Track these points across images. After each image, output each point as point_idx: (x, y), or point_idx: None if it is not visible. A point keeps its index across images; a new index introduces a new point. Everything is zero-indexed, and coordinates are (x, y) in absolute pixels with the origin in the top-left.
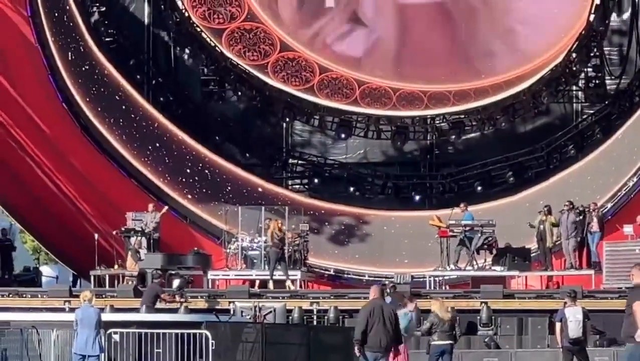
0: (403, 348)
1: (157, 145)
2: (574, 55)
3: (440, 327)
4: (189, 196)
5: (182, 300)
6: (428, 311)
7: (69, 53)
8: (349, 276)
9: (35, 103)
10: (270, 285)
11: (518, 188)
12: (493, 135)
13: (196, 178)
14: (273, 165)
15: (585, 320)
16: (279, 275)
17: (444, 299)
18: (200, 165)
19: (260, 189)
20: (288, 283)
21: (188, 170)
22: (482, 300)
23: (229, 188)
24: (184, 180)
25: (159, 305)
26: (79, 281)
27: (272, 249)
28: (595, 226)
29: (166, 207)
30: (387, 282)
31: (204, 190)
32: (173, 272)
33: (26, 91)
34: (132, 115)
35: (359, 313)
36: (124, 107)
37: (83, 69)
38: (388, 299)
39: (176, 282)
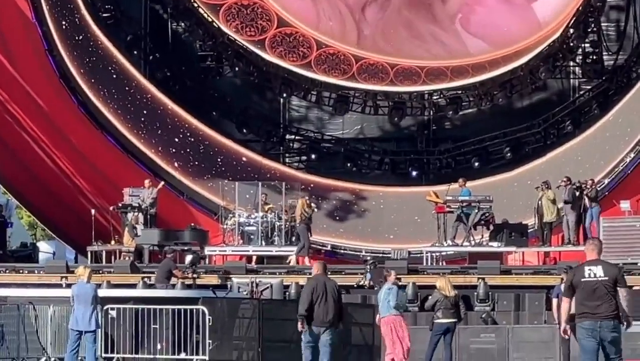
0: (401, 321)
1: (154, 121)
2: (571, 30)
3: (444, 305)
4: (186, 172)
5: (194, 275)
6: (428, 287)
7: (65, 27)
8: (346, 252)
9: (33, 79)
10: (293, 259)
11: (515, 164)
12: (490, 111)
13: (193, 154)
14: (270, 140)
15: None
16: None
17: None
18: (197, 141)
19: (257, 165)
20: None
21: (185, 146)
22: (479, 275)
23: (226, 164)
24: (181, 156)
25: (173, 281)
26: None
27: (301, 226)
28: (592, 202)
29: (162, 183)
30: (368, 258)
31: (201, 166)
32: (168, 248)
33: (23, 67)
34: (129, 91)
35: (302, 289)
36: (120, 82)
37: (80, 43)
38: (368, 276)
39: (188, 258)
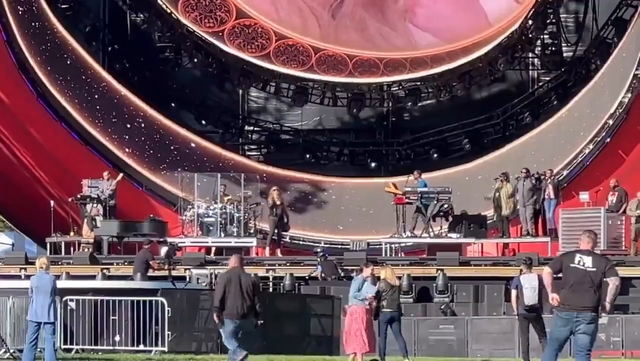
0: (362, 312)
1: (113, 112)
2: (530, 22)
3: (389, 294)
4: (145, 163)
5: (170, 267)
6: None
7: (23, 18)
8: (305, 243)
9: None
10: (266, 251)
11: (474, 155)
12: (449, 102)
13: (151, 145)
14: (229, 132)
15: (541, 287)
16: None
17: (401, 266)
18: (156, 132)
19: (216, 156)
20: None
21: (143, 137)
22: (438, 267)
23: (185, 155)
24: (139, 147)
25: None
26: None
27: (270, 218)
28: (551, 193)
29: (121, 174)
30: (318, 250)
31: (160, 157)
32: (145, 239)
33: None
34: (88, 82)
35: (217, 281)
36: (78, 74)
37: (38, 34)
38: (319, 268)
39: (164, 250)
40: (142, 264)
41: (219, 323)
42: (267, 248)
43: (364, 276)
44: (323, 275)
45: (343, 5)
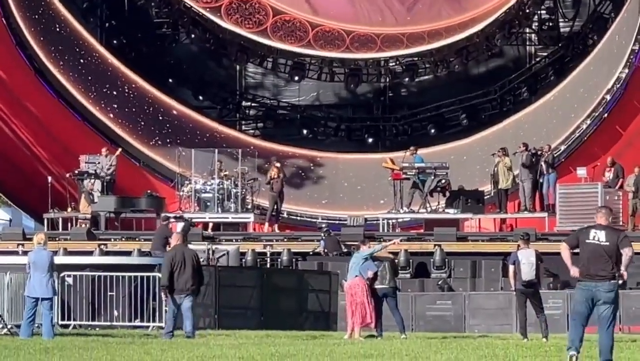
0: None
1: (110, 88)
2: None
3: (380, 270)
4: (142, 139)
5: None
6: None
7: None
8: (302, 218)
9: None
10: (266, 227)
11: (471, 130)
12: (446, 78)
13: (149, 121)
14: (226, 107)
15: (538, 262)
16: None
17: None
18: (154, 108)
19: (213, 132)
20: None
21: (141, 113)
22: (436, 242)
23: (182, 130)
24: (137, 123)
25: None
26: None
27: (270, 193)
28: (548, 168)
29: (119, 149)
30: (323, 226)
31: (157, 133)
32: (164, 215)
33: None
34: (85, 58)
35: (163, 260)
36: (77, 50)
37: (35, 10)
38: (322, 243)
39: (179, 226)
40: (161, 240)
41: (166, 299)
42: (267, 224)
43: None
44: (326, 250)
45: None
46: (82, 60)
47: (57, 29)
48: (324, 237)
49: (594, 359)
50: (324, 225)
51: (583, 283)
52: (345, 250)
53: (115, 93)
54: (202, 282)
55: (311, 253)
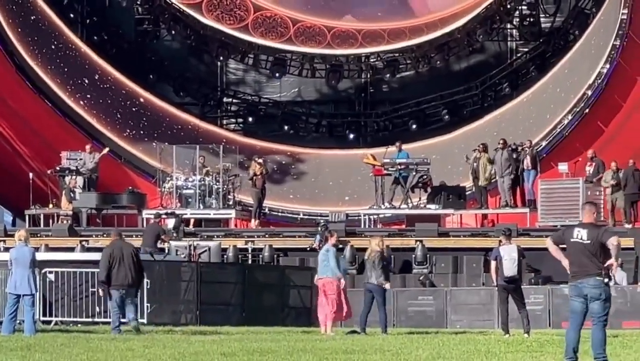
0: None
1: (92, 84)
2: None
3: (378, 266)
4: (124, 135)
5: (178, 238)
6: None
7: None
8: (284, 215)
9: None
10: (253, 224)
11: (453, 126)
12: (428, 74)
13: (131, 117)
14: (207, 103)
15: (520, 258)
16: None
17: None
18: (135, 104)
19: (194, 128)
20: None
21: (122, 109)
22: (417, 238)
23: (164, 127)
24: (118, 119)
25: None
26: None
27: (253, 190)
28: (529, 164)
29: (107, 149)
30: (322, 221)
31: (139, 129)
32: (156, 212)
33: None
34: (66, 54)
35: (101, 256)
36: (58, 45)
37: (16, 6)
38: (318, 238)
39: (171, 222)
40: (152, 237)
41: (103, 295)
42: (254, 221)
43: (332, 244)
44: (321, 245)
45: None
46: (60, 54)
47: (36, 23)
48: (320, 232)
49: (587, 354)
50: (322, 221)
51: (572, 282)
52: (341, 246)
53: (92, 87)
54: (141, 278)
55: (308, 248)
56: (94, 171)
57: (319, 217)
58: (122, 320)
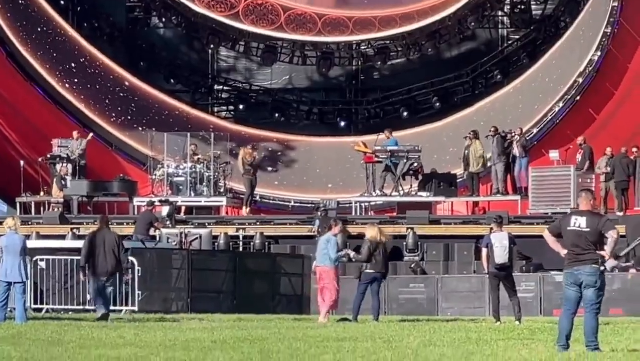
0: (329, 272)
1: (82, 71)
2: None
3: (377, 254)
4: (114, 122)
5: (172, 226)
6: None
7: None
8: (275, 202)
9: None
10: (244, 211)
11: (443, 113)
12: (418, 61)
13: (121, 104)
14: (198, 91)
15: (511, 245)
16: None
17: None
18: (126, 91)
19: (185, 115)
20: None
21: (113, 97)
22: (408, 225)
23: (155, 114)
24: (109, 106)
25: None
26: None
27: (244, 176)
28: (520, 151)
29: (91, 134)
30: (321, 206)
31: (130, 117)
32: (149, 200)
33: None
34: (57, 41)
35: (83, 242)
36: (48, 32)
37: None
38: (317, 223)
39: (165, 209)
40: (145, 225)
41: (85, 280)
42: (245, 208)
43: (333, 233)
44: (320, 230)
45: None
46: (49, 39)
47: (26, 9)
48: (319, 217)
49: (578, 341)
50: (321, 205)
51: (567, 269)
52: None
53: (81, 73)
54: (119, 267)
55: (309, 232)
56: (81, 157)
57: (311, 204)
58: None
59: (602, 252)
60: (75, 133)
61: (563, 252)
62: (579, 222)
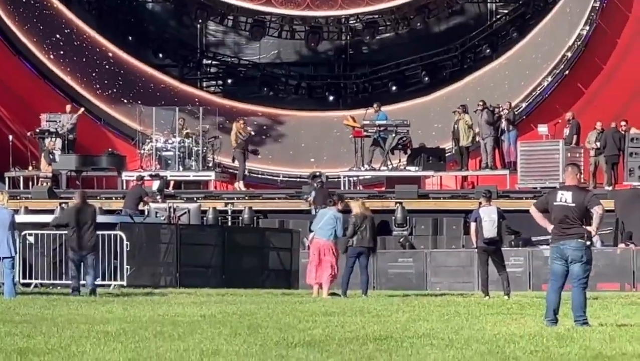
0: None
1: (71, 45)
2: None
3: (362, 229)
4: (101, 95)
5: (162, 201)
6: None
7: None
8: (263, 176)
9: None
10: (240, 185)
11: (432, 88)
12: (407, 35)
13: (110, 79)
14: (187, 65)
15: (500, 220)
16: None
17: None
18: (115, 66)
19: (174, 90)
20: (237, 184)
21: (102, 71)
22: (397, 200)
23: (143, 89)
24: (97, 81)
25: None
26: None
27: (236, 150)
28: (507, 125)
29: (82, 109)
30: (317, 173)
31: (118, 91)
32: (139, 175)
33: None
34: (45, 15)
35: (64, 212)
36: (37, 6)
37: None
38: (313, 193)
39: (156, 184)
40: (134, 199)
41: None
42: (241, 182)
43: (338, 209)
44: (315, 201)
45: None
46: (36, 12)
47: None
48: (315, 188)
49: (567, 316)
50: (317, 173)
51: (554, 244)
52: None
53: (68, 46)
54: (97, 244)
55: (304, 197)
56: (71, 132)
57: (300, 178)
58: (82, 282)
59: (588, 228)
60: (68, 107)
61: (549, 227)
62: (565, 197)
